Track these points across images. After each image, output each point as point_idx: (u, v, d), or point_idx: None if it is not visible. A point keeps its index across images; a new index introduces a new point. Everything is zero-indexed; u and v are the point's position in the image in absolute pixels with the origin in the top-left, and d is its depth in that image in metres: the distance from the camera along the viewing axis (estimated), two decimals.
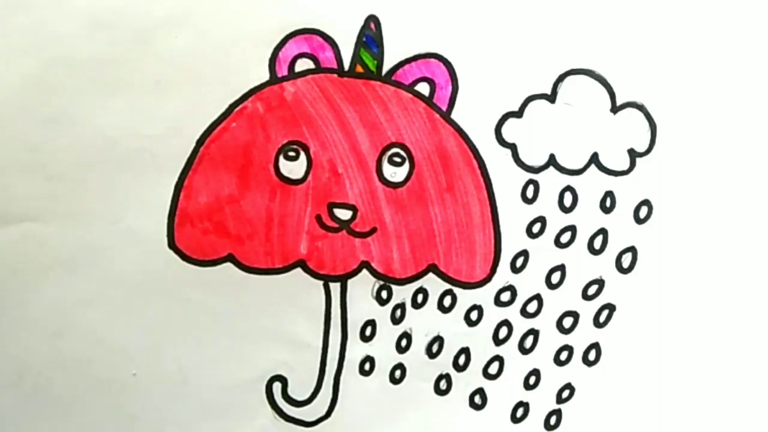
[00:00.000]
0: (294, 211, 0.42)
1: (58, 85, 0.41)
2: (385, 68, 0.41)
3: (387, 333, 0.42)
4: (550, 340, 0.42)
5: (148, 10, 0.41)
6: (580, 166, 0.41)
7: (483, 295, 0.42)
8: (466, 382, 0.42)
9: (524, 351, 0.42)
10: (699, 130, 0.40)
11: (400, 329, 0.42)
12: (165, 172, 0.41)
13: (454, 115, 0.41)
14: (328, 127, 0.41)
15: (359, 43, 0.41)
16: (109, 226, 0.42)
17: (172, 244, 0.42)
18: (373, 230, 0.42)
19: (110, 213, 0.42)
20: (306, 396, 0.42)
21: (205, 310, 0.42)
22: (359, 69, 0.41)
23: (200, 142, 0.41)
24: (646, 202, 0.41)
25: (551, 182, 0.41)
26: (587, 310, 0.42)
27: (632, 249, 0.41)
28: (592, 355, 0.42)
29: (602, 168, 0.41)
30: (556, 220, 0.41)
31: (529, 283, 0.42)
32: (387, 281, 0.42)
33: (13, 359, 0.39)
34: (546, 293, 0.42)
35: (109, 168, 0.41)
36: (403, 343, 0.42)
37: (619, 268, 0.41)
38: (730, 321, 0.41)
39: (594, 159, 0.41)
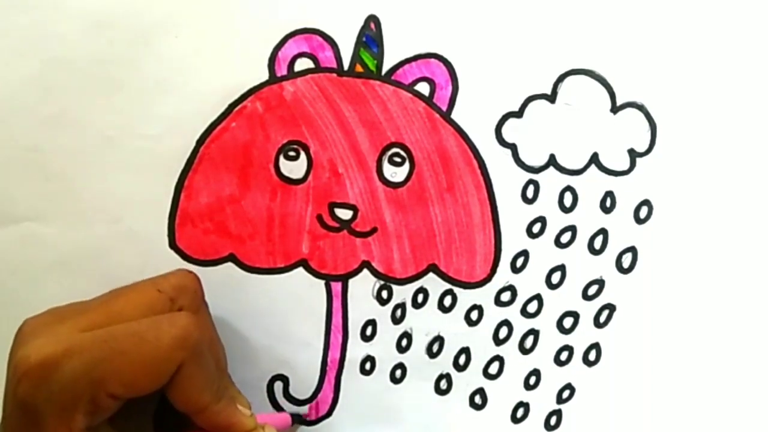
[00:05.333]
0: (295, 211, 0.42)
1: (58, 85, 0.41)
2: (385, 68, 0.41)
3: (387, 333, 0.42)
4: (550, 340, 0.42)
5: (148, 10, 0.41)
6: (580, 166, 0.41)
7: (483, 295, 0.42)
8: (466, 382, 0.42)
9: (524, 351, 0.42)
10: (699, 130, 0.40)
11: (400, 329, 0.42)
12: (165, 172, 0.41)
13: (454, 115, 0.41)
14: (327, 126, 0.41)
15: (359, 43, 0.41)
16: (109, 226, 0.42)
17: (172, 244, 0.42)
18: (374, 230, 0.42)
19: (110, 213, 0.42)
20: (307, 395, 0.43)
21: None
22: (359, 68, 0.41)
23: (200, 142, 0.41)
24: (646, 202, 0.41)
25: (551, 182, 0.41)
26: (587, 310, 0.42)
27: (632, 249, 0.41)
28: (592, 355, 0.42)
29: (602, 168, 0.41)
30: (556, 220, 0.41)
31: (529, 283, 0.41)
32: (387, 281, 0.42)
33: None
34: (546, 293, 0.42)
35: (109, 168, 0.42)
36: (404, 342, 0.42)
37: (619, 268, 0.41)
38: (730, 321, 0.41)
39: (594, 159, 0.41)
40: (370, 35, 0.41)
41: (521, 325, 0.42)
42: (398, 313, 0.42)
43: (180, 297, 0.37)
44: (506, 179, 0.41)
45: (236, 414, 0.37)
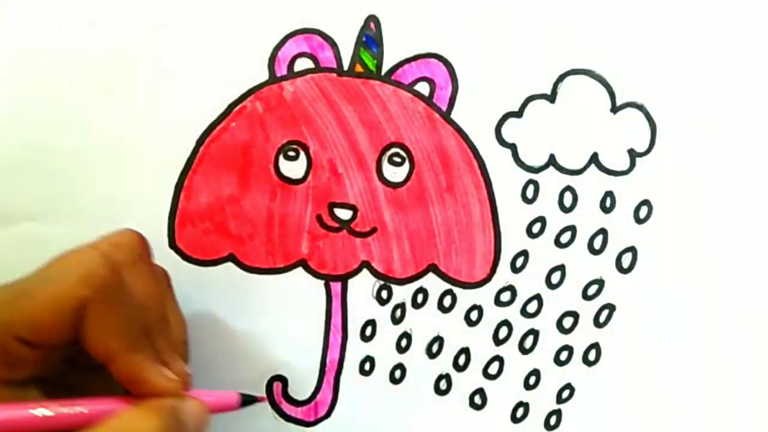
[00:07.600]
0: (295, 211, 0.42)
1: (58, 85, 0.41)
2: (385, 68, 0.41)
3: (387, 333, 0.42)
4: (550, 340, 0.42)
5: (148, 10, 0.41)
6: (580, 166, 0.41)
7: (483, 295, 0.42)
8: (466, 382, 0.42)
9: (524, 351, 0.42)
10: (699, 130, 0.40)
11: (400, 329, 0.42)
12: (165, 172, 0.41)
13: (454, 115, 0.41)
14: (327, 126, 0.41)
15: (359, 43, 0.41)
16: (109, 226, 0.41)
17: (172, 244, 0.42)
18: (374, 230, 0.42)
19: (110, 213, 0.42)
20: (306, 396, 0.42)
21: (205, 309, 0.42)
22: (358, 68, 0.41)
23: (200, 142, 0.41)
24: (646, 202, 0.41)
25: (551, 182, 0.41)
26: (587, 310, 0.41)
27: (632, 249, 0.41)
28: (592, 355, 0.42)
29: (602, 168, 0.41)
30: (556, 220, 0.41)
31: (529, 283, 0.41)
32: (387, 281, 0.42)
33: None
34: (546, 293, 0.42)
35: (109, 168, 0.42)
36: (403, 343, 0.42)
37: (619, 268, 0.41)
38: (729, 321, 0.41)
39: (594, 159, 0.41)
40: (370, 35, 0.41)
41: (521, 325, 0.42)
42: (398, 313, 0.42)
43: (114, 252, 0.36)
44: (506, 179, 0.41)
45: (152, 371, 0.34)
